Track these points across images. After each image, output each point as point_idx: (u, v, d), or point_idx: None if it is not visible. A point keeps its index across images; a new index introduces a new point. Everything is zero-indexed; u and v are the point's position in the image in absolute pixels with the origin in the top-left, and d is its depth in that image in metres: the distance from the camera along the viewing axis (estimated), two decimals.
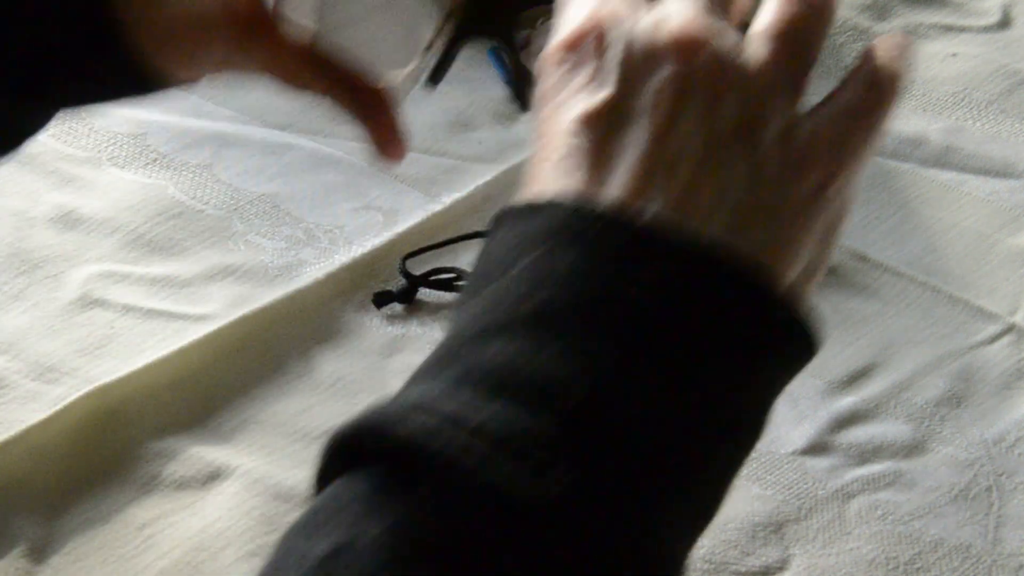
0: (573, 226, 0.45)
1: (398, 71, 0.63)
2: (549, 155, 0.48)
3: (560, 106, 0.48)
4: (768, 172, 0.47)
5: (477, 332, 0.45)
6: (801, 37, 0.49)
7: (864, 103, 0.49)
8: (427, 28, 0.60)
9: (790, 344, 0.47)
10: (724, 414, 0.45)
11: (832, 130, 0.48)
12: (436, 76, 0.61)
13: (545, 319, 0.44)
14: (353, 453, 0.43)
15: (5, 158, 0.66)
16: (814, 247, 0.48)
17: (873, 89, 0.50)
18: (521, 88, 0.58)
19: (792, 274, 0.47)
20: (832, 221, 0.49)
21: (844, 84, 0.50)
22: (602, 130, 0.47)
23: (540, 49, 0.53)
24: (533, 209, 0.47)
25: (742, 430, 0.46)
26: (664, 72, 0.47)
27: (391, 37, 0.63)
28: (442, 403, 0.42)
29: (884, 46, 0.51)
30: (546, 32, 0.56)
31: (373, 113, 0.63)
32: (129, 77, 0.62)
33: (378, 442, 0.42)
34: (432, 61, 0.61)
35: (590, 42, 0.49)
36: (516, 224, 0.47)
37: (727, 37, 0.48)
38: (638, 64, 0.48)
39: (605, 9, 0.49)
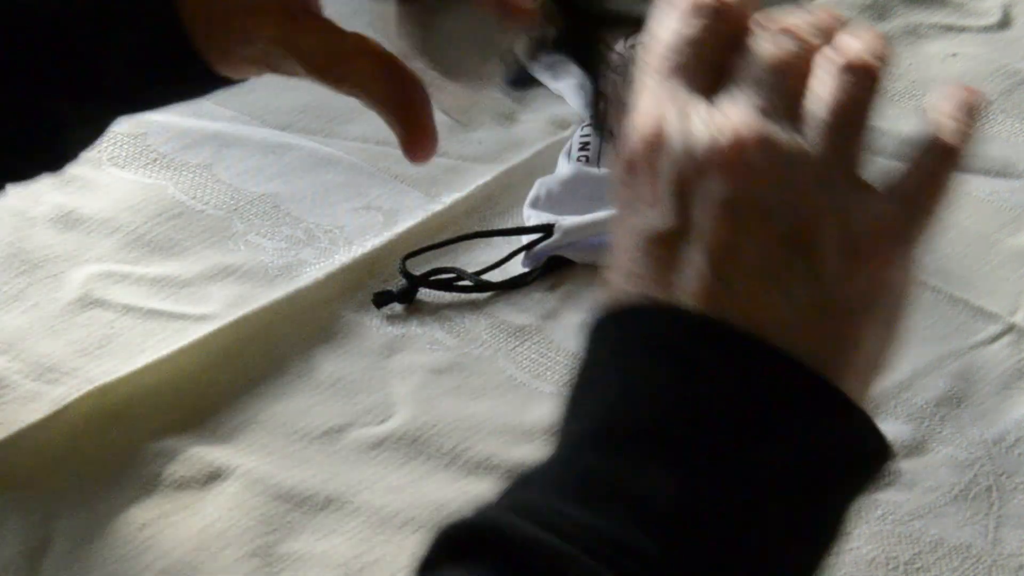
0: (659, 339, 0.47)
1: (477, 81, 0.63)
2: (624, 266, 0.50)
3: (626, 222, 0.50)
4: (828, 272, 0.47)
5: (585, 443, 0.47)
6: (857, 119, 0.49)
7: (928, 192, 0.49)
8: (511, 41, 0.60)
9: (868, 454, 0.48)
10: (815, 524, 0.47)
11: (893, 221, 0.48)
12: (518, 79, 0.60)
13: (645, 434, 0.46)
14: (463, 546, 0.46)
15: (66, 165, 0.68)
16: (880, 332, 0.49)
17: (938, 176, 0.49)
18: (600, 113, 0.57)
19: (861, 367, 0.48)
20: (895, 306, 0.49)
21: (909, 172, 0.49)
22: (665, 250, 0.48)
23: (622, 73, 0.54)
24: (623, 317, 0.49)
25: (828, 536, 0.48)
26: (717, 191, 0.47)
27: (474, 49, 0.64)
28: (553, 515, 0.45)
29: (952, 118, 0.50)
30: (631, 56, 0.56)
31: (409, 111, 0.63)
32: (184, 76, 0.63)
33: (493, 542, 0.45)
34: (513, 71, 0.60)
35: (645, 159, 0.49)
36: (609, 334, 0.50)
37: (780, 139, 0.48)
38: (691, 184, 0.48)
39: (659, 118, 0.49)
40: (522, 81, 0.60)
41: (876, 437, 0.48)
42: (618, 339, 0.49)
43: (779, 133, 0.48)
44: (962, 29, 1.08)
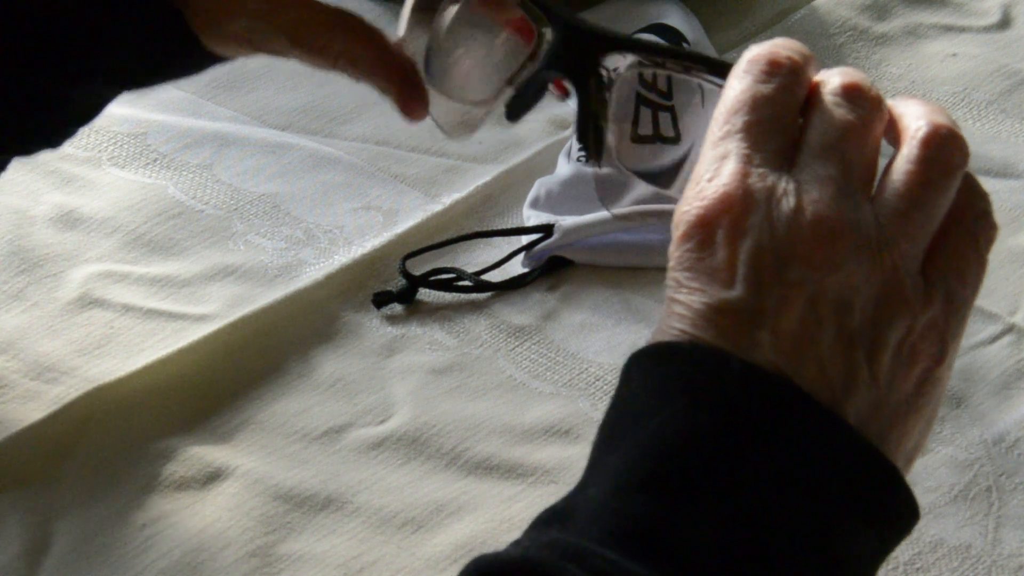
0: (710, 381, 0.47)
1: (480, 101, 0.63)
2: (679, 322, 0.49)
3: (690, 286, 0.49)
4: (884, 374, 0.48)
5: (624, 486, 0.47)
6: (934, 213, 0.50)
7: (968, 298, 0.50)
8: (515, 62, 0.60)
9: (904, 520, 0.50)
10: None
11: (945, 325, 0.49)
12: (515, 110, 0.61)
13: (688, 481, 0.46)
14: None
15: (65, 141, 0.70)
16: (923, 424, 0.50)
17: (976, 281, 0.51)
18: (588, 136, 0.58)
19: (903, 454, 0.50)
20: (937, 399, 0.51)
21: (963, 281, 0.50)
22: (731, 319, 0.48)
23: (614, 92, 0.54)
24: (669, 355, 0.48)
25: None
26: (797, 279, 0.48)
27: (479, 68, 0.65)
28: (592, 559, 0.45)
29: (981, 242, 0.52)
30: (628, 79, 0.56)
31: (396, 72, 0.65)
32: (178, 53, 0.65)
33: None
34: (512, 94, 0.61)
35: (723, 228, 0.48)
36: (652, 369, 0.49)
37: (865, 236, 0.48)
38: (771, 267, 0.48)
39: (741, 184, 0.48)
40: (518, 112, 0.60)
41: (913, 507, 0.49)
42: (670, 377, 0.48)
43: (864, 228, 0.48)
44: (962, 29, 1.08)
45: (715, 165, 0.49)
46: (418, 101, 0.65)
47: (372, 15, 0.68)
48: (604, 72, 0.56)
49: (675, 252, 0.49)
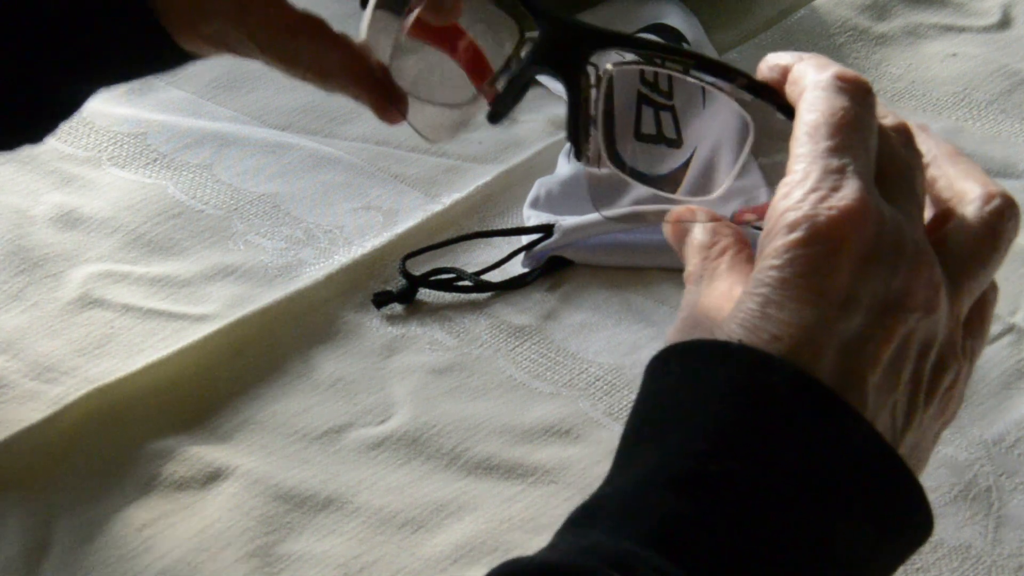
0: (762, 383, 0.47)
1: (460, 103, 0.62)
2: (763, 322, 0.48)
3: (795, 293, 0.48)
4: (928, 417, 0.51)
5: (663, 482, 0.47)
6: (993, 271, 0.52)
7: (980, 353, 0.53)
8: (495, 61, 0.59)
9: (923, 535, 0.51)
10: None
11: (967, 378, 0.52)
12: (498, 111, 0.58)
13: (733, 484, 0.46)
14: None
15: (46, 136, 0.70)
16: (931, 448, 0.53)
17: (985, 342, 0.54)
18: (578, 135, 0.57)
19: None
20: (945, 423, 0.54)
21: (983, 340, 0.53)
22: (827, 344, 0.48)
23: (609, 93, 0.54)
24: (714, 353, 0.48)
25: None
26: (902, 316, 0.49)
27: (452, 70, 0.63)
28: (637, 566, 0.45)
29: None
30: (621, 76, 0.56)
31: (367, 80, 0.64)
32: (153, 51, 0.65)
33: None
34: (496, 95, 0.58)
35: (849, 249, 0.48)
36: (694, 365, 0.49)
37: (959, 300, 0.51)
38: (887, 302, 0.48)
39: (867, 213, 0.49)
40: (502, 113, 0.59)
41: (930, 520, 0.51)
42: (715, 376, 0.48)
43: (964, 294, 0.51)
44: (962, 29, 1.08)
45: (834, 177, 0.49)
46: (395, 106, 0.64)
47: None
48: (593, 69, 0.55)
49: (783, 251, 0.48)
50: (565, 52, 0.56)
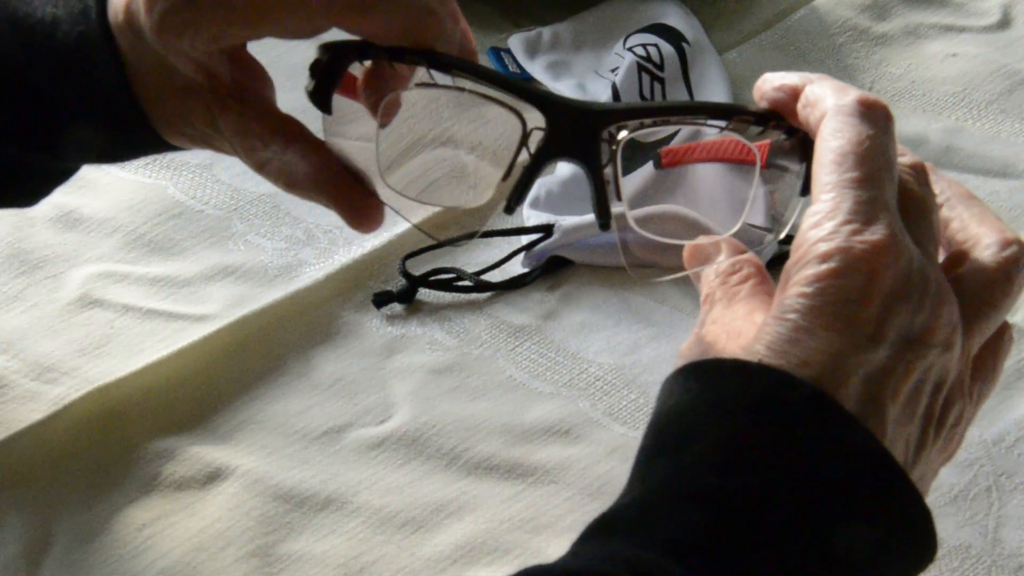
0: (783, 400, 0.48)
1: (479, 200, 0.60)
2: (787, 345, 0.49)
3: (825, 322, 0.49)
4: (935, 449, 0.53)
5: (682, 494, 0.47)
6: (1005, 314, 0.54)
7: (986, 397, 0.55)
8: (507, 154, 0.58)
9: (929, 554, 0.52)
10: None
11: (970, 419, 0.54)
12: (514, 201, 0.58)
13: (748, 499, 0.47)
14: None
15: (39, 201, 0.71)
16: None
17: (994, 387, 0.56)
18: (604, 206, 0.57)
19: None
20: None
21: (992, 384, 0.55)
22: (852, 374, 0.49)
23: (619, 163, 0.54)
24: (735, 371, 0.49)
25: None
26: (923, 351, 0.50)
27: (460, 166, 0.62)
28: (653, 567, 0.46)
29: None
30: (634, 147, 0.56)
31: (340, 192, 0.62)
32: (140, 142, 0.64)
33: None
34: (511, 185, 0.58)
35: (881, 282, 0.49)
36: (714, 381, 0.50)
37: (974, 339, 0.53)
38: (911, 337, 0.50)
39: (898, 250, 0.50)
40: (517, 203, 0.58)
41: (935, 544, 0.52)
42: (735, 392, 0.49)
43: (976, 335, 0.52)
44: (962, 29, 1.08)
45: (868, 209, 0.50)
46: (365, 224, 0.62)
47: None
48: (607, 144, 0.56)
49: (814, 280, 0.49)
50: (578, 141, 0.56)
